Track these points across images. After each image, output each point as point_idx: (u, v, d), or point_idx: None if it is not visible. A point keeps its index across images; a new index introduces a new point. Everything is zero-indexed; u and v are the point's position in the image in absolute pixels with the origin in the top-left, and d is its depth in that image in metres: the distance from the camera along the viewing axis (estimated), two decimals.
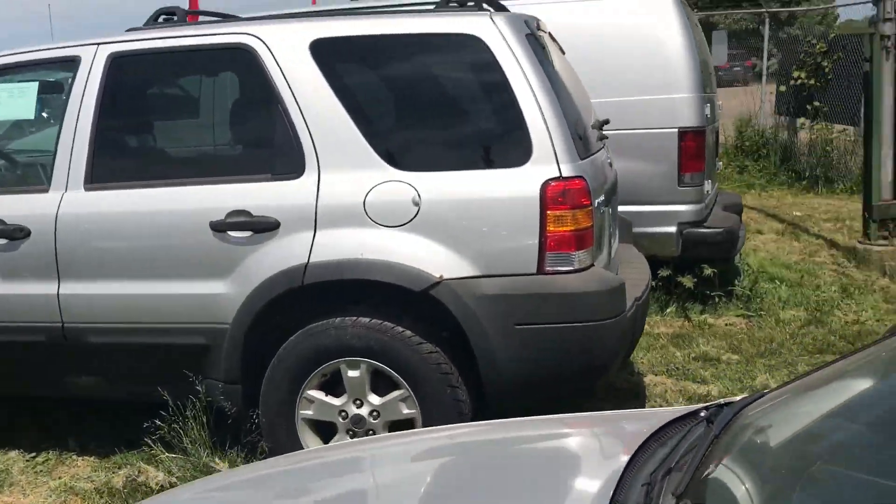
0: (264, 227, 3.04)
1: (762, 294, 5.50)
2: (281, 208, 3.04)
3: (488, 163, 2.98)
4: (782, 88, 11.92)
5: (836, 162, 10.75)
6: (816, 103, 10.90)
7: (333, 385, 3.11)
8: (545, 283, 2.86)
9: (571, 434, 1.93)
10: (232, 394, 3.15)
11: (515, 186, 2.88)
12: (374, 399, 3.06)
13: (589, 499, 1.46)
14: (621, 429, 1.86)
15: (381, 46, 3.13)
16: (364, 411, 3.06)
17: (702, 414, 1.63)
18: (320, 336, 3.03)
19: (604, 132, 3.66)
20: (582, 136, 3.15)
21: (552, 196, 2.83)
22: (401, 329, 2.96)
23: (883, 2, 6.16)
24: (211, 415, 3.21)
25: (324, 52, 3.09)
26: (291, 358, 3.07)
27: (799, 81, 11.17)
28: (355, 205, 2.98)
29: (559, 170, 2.85)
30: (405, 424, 3.05)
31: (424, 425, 2.98)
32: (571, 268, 2.88)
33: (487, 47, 2.95)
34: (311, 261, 2.99)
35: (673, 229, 4.95)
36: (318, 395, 3.11)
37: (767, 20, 13.18)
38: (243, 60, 3.16)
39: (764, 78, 12.89)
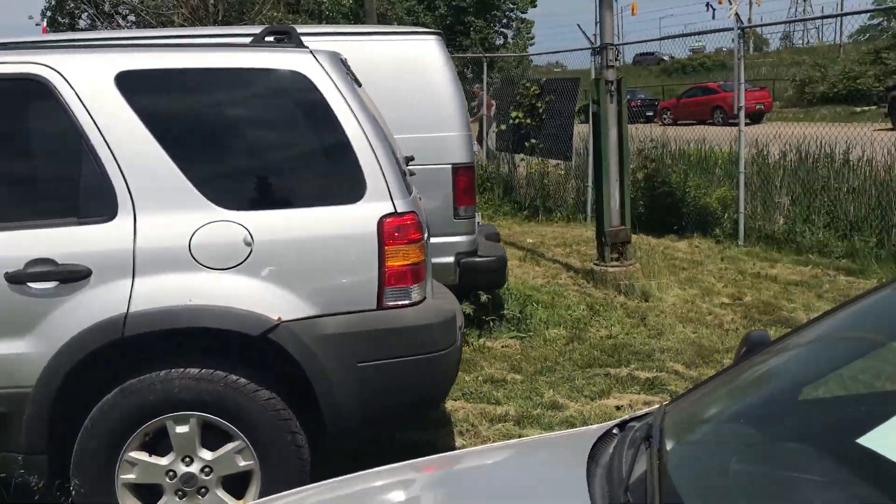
0: (73, 276, 2.74)
1: (528, 316, 5.94)
2: (92, 255, 2.76)
3: (322, 200, 2.95)
4: (503, 127, 13.00)
5: (552, 193, 11.90)
6: (533, 140, 12.00)
7: (157, 443, 2.86)
8: (386, 319, 2.89)
9: (513, 467, 1.94)
10: (36, 465, 2.77)
11: (352, 223, 2.89)
12: (206, 454, 2.86)
13: None
14: (556, 455, 1.91)
15: (198, 80, 2.97)
16: (195, 468, 2.85)
17: (632, 428, 1.76)
18: (142, 392, 2.77)
19: (409, 168, 3.78)
20: (404, 171, 3.23)
21: (389, 231, 2.88)
22: (235, 377, 2.81)
23: (605, 51, 7.00)
24: (8, 493, 2.80)
25: (132, 85, 2.87)
26: (109, 418, 2.77)
27: (517, 121, 12.22)
28: (180, 248, 2.79)
29: (394, 205, 2.91)
30: (241, 477, 2.89)
31: (263, 476, 2.85)
32: (409, 301, 2.93)
33: (312, 84, 2.93)
34: (130, 310, 2.74)
35: (451, 259, 5.18)
36: (140, 456, 2.84)
37: (485, 64, 14.28)
38: (37, 93, 2.82)
39: (484, 117, 13.96)
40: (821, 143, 10.24)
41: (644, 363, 5.16)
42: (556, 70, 33.62)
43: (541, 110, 11.93)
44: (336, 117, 2.91)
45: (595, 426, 1.99)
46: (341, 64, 3.15)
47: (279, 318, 2.78)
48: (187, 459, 2.85)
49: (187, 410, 2.80)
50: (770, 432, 1.60)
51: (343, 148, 2.91)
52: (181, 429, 2.82)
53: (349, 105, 2.93)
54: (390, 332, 2.89)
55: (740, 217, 9.20)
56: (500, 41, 32.50)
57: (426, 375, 2.97)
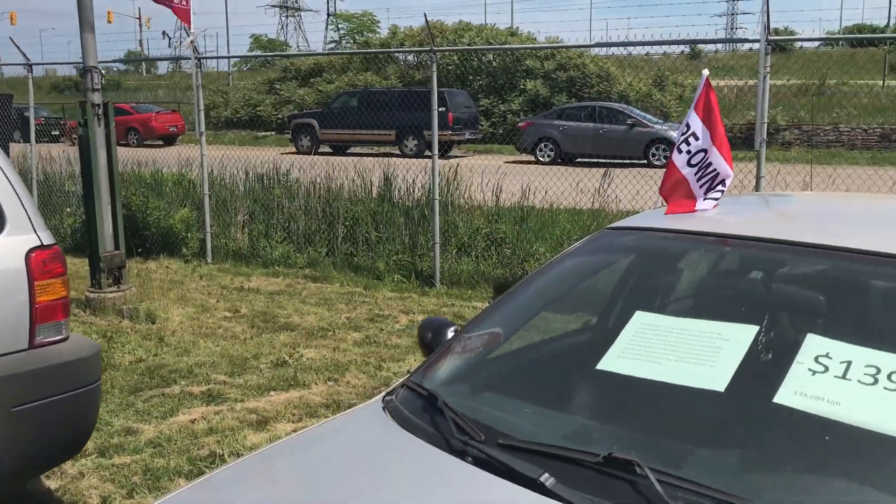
0: None
1: None
2: None
3: None
4: None
5: None
6: None
7: None
8: (40, 357, 2.71)
9: None
10: None
11: None
12: None
13: None
14: (362, 427, 2.12)
15: None
16: None
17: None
18: None
19: None
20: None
21: (37, 265, 2.71)
22: None
23: (90, 73, 6.85)
24: None
25: None
26: None
27: None
28: None
29: (39, 238, 2.74)
30: None
31: None
32: (61, 337, 2.80)
33: None
34: None
35: None
36: None
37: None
38: None
39: None
40: (269, 164, 11.35)
41: (190, 379, 5.37)
42: None
43: None
44: None
45: (346, 413, 2.36)
46: None
47: None
48: None
49: None
50: (513, 366, 2.25)
51: None
52: None
53: None
54: (45, 370, 2.72)
55: (207, 236, 9.76)
56: None
57: (83, 409, 2.87)
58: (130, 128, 25.56)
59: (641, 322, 2.02)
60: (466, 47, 26.91)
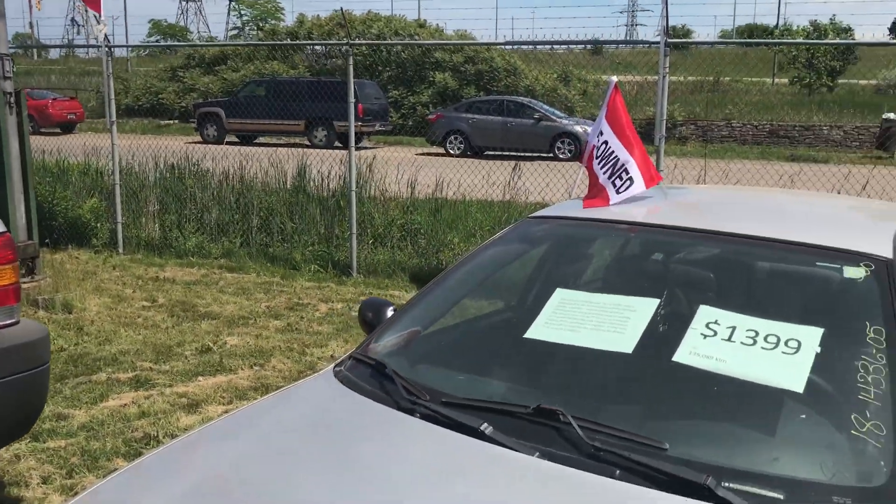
0: None
1: None
2: None
3: None
4: None
5: None
6: None
7: None
8: None
9: None
10: None
11: None
12: None
13: None
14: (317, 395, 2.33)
15: None
16: None
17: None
18: None
19: None
20: None
21: None
22: None
23: (2, 61, 6.75)
24: None
25: None
26: None
27: None
28: None
29: None
30: None
31: None
32: (13, 321, 2.91)
33: None
34: None
35: None
36: None
37: None
38: None
39: None
40: (179, 154, 11.27)
41: (115, 367, 5.43)
42: None
43: None
44: None
45: (296, 383, 2.58)
46: None
47: None
48: None
49: None
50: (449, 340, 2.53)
51: None
52: None
53: None
54: (2, 352, 2.84)
55: (118, 227, 9.67)
56: None
57: (34, 389, 2.99)
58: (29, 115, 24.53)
59: (562, 297, 2.33)
60: (385, 42, 27.08)
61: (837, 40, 30.76)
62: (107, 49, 9.37)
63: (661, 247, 2.60)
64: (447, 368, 2.39)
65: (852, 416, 1.85)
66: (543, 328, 2.23)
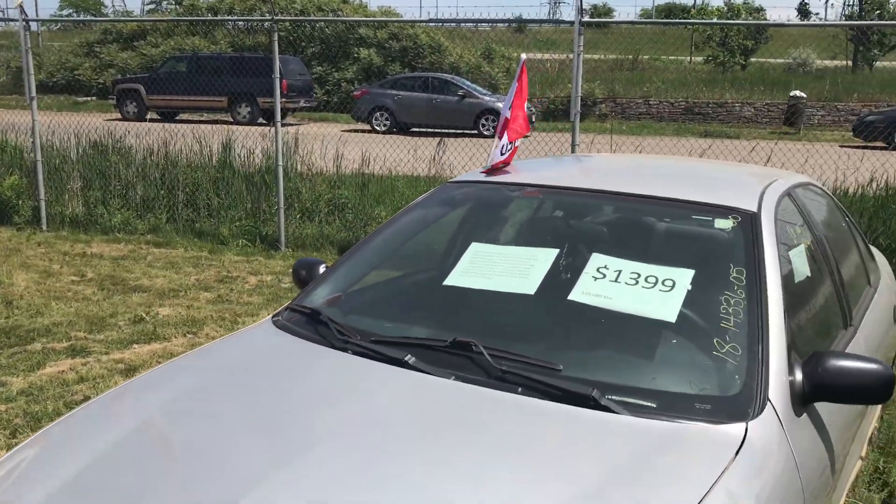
0: None
1: None
2: None
3: None
4: None
5: None
6: None
7: None
8: None
9: None
10: None
11: None
12: None
13: None
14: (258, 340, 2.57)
15: None
16: None
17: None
18: None
19: None
20: None
21: None
22: None
23: None
24: None
25: None
26: None
27: None
28: None
29: None
30: None
31: None
32: None
33: None
34: None
35: None
36: None
37: None
38: None
39: None
40: (101, 130, 11.15)
41: (49, 337, 5.54)
42: None
43: None
44: None
45: (237, 332, 2.83)
46: None
47: None
48: None
49: None
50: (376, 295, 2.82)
51: None
52: None
53: None
54: None
55: (41, 204, 9.60)
56: None
57: None
58: None
59: (476, 250, 2.65)
60: (310, 18, 26.90)
61: (750, 20, 31.91)
62: (24, 23, 9.24)
63: (562, 205, 2.94)
64: (375, 316, 2.68)
65: (714, 341, 2.22)
66: (460, 276, 2.55)
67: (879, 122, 19.49)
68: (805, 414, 2.19)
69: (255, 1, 30.05)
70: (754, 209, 2.62)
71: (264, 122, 21.54)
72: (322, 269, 3.02)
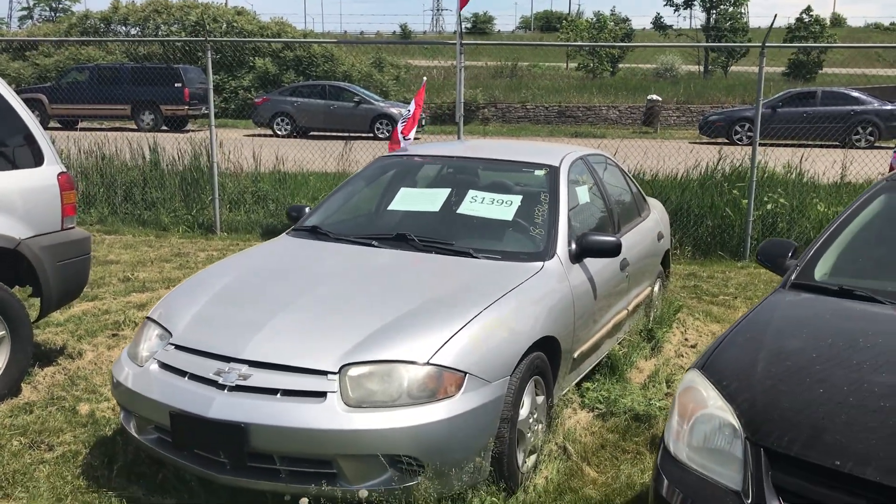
0: None
1: None
2: None
3: (15, 166, 4.54)
4: None
5: None
6: None
7: None
8: (66, 235, 4.74)
9: None
10: None
11: (42, 179, 4.61)
12: None
13: None
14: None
15: None
16: None
17: None
18: None
19: None
20: None
21: (63, 183, 4.72)
22: None
23: None
24: None
25: None
26: None
27: None
28: None
29: (61, 167, 4.75)
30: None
31: (13, 344, 4.41)
32: (73, 226, 4.83)
33: None
34: None
35: None
36: None
37: None
38: None
39: None
40: None
41: None
42: None
43: None
44: (18, 113, 4.56)
45: (257, 245, 4.71)
46: None
47: (20, 238, 4.39)
48: None
49: None
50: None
51: (28, 133, 4.60)
52: None
53: (16, 99, 4.62)
54: (71, 243, 4.75)
55: None
56: None
57: (85, 267, 4.90)
58: None
59: (405, 192, 4.68)
60: (246, 39, 28.18)
61: (615, 43, 35.01)
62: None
63: (451, 166, 5.02)
64: (351, 228, 4.68)
65: (531, 228, 4.32)
66: (396, 205, 4.58)
67: (720, 120, 22.65)
68: (578, 265, 4.32)
69: (150, 12, 31.00)
70: (557, 165, 4.75)
71: (167, 128, 22.77)
72: (307, 210, 4.95)
